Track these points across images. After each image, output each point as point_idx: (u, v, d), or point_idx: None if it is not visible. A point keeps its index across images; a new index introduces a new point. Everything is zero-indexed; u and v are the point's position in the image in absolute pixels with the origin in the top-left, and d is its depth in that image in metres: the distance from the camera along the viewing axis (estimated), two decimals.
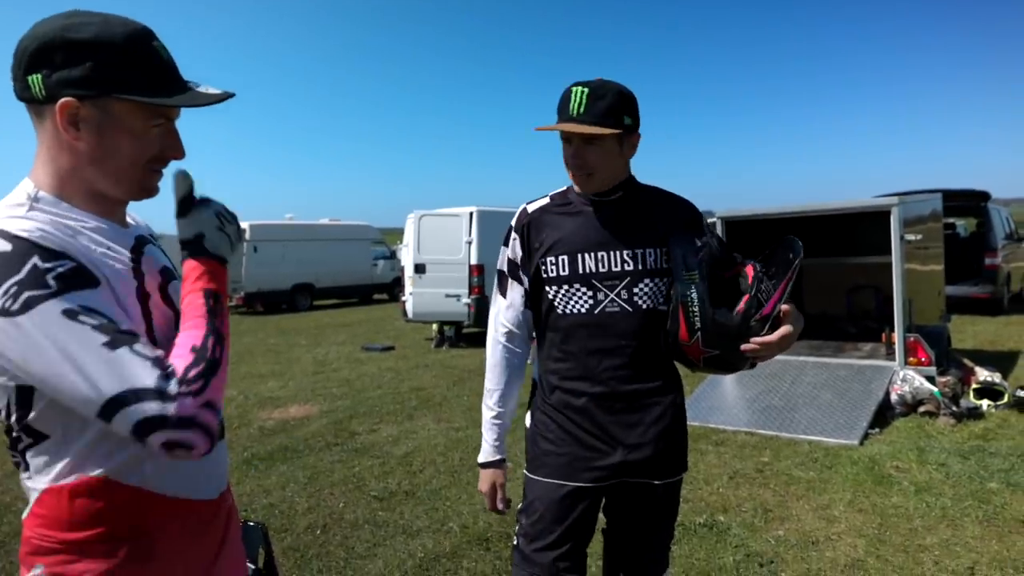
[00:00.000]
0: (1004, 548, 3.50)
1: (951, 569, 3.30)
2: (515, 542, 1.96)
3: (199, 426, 0.99)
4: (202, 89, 1.17)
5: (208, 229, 1.16)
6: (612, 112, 1.78)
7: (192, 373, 1.00)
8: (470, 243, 11.35)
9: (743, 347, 1.72)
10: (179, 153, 1.18)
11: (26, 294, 0.95)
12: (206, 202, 1.20)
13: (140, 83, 1.09)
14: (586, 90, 1.79)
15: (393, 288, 21.09)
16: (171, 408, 0.96)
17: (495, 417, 2.01)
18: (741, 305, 1.74)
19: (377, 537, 3.87)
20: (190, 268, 1.14)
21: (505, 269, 2.01)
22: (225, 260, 1.18)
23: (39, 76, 1.05)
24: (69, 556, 1.09)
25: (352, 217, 29.22)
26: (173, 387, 0.97)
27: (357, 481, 4.85)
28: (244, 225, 18.70)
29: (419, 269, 11.51)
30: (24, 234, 0.99)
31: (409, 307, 11.87)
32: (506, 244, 2.00)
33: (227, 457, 1.37)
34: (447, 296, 11.36)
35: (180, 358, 1.02)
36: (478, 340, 11.72)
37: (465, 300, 11.31)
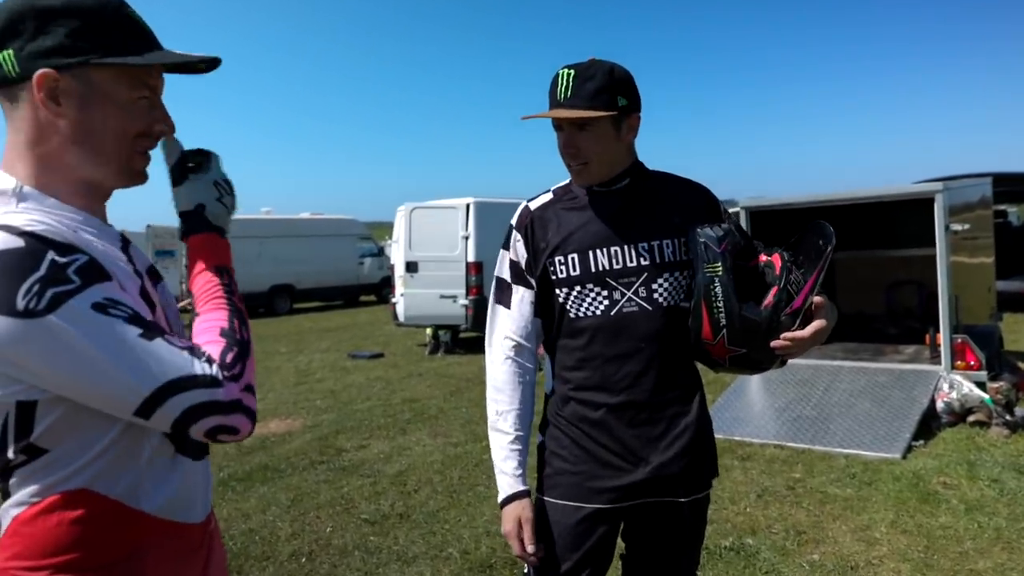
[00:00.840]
0: None
1: None
2: (525, 570, 1.95)
3: (244, 409, 1.06)
4: (180, 53, 1.18)
5: (208, 199, 1.22)
6: (602, 93, 1.76)
7: (229, 358, 1.06)
8: (467, 238, 11.37)
9: (773, 344, 1.71)
10: (168, 126, 1.20)
11: (51, 291, 0.95)
12: (201, 167, 1.25)
13: (119, 47, 1.10)
14: (573, 72, 1.78)
15: (382, 289, 21.15)
16: (220, 393, 1.02)
17: (513, 442, 1.90)
18: (769, 298, 1.72)
19: (369, 565, 3.89)
20: (196, 244, 1.19)
21: (507, 276, 1.96)
22: (225, 232, 1.24)
23: (10, 52, 1.06)
24: None
25: (336, 210, 29.35)
26: (216, 372, 1.03)
27: (346, 503, 4.87)
28: None
29: (411, 267, 11.52)
30: (31, 229, 0.99)
31: (400, 310, 11.88)
32: (506, 247, 1.97)
33: (211, 477, 1.38)
34: (442, 297, 11.37)
35: (213, 344, 1.08)
36: (476, 345, 11.73)
37: (462, 301, 11.32)
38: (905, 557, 3.72)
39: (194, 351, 1.04)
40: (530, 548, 1.84)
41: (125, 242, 1.22)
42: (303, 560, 3.98)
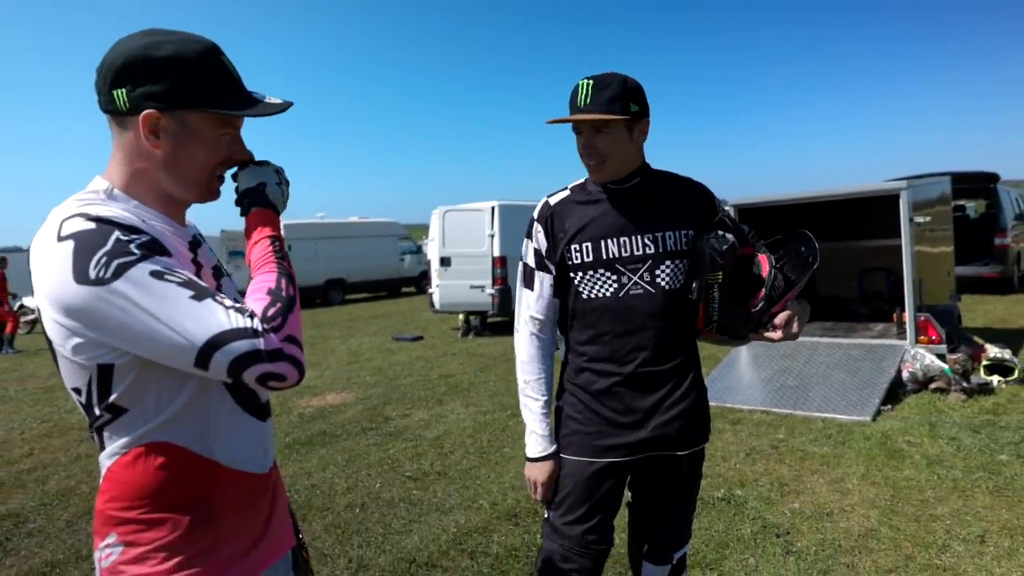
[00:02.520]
0: (1014, 517, 3.48)
1: (962, 537, 3.29)
2: (546, 515, 1.97)
3: (288, 358, 1.04)
4: (266, 100, 1.23)
5: (269, 180, 1.26)
6: (617, 100, 1.78)
7: (271, 312, 1.05)
8: (493, 236, 11.39)
9: (752, 336, 1.82)
10: (245, 157, 1.26)
11: (116, 262, 0.99)
12: (265, 162, 1.30)
13: (212, 96, 1.16)
14: (591, 82, 1.80)
15: (420, 281, 21.22)
16: (260, 343, 1.01)
17: (543, 407, 1.95)
18: (755, 300, 1.77)
19: (412, 514, 3.95)
20: (253, 219, 1.21)
21: (531, 261, 1.97)
22: (279, 212, 1.26)
23: (123, 91, 1.11)
24: (139, 525, 1.13)
25: (379, 214, 29.33)
26: (258, 325, 1.02)
27: (392, 463, 4.93)
28: None
29: (445, 262, 11.58)
30: (104, 215, 1.04)
31: (436, 299, 11.94)
32: (529, 236, 1.98)
33: (274, 435, 1.41)
34: (472, 287, 11.42)
35: (259, 301, 1.07)
36: (502, 328, 11.78)
37: (489, 291, 11.36)
38: (874, 505, 3.71)
39: (240, 308, 1.04)
40: (549, 496, 1.94)
41: (196, 242, 1.25)
42: (356, 510, 4.04)
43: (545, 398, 1.95)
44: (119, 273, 0.99)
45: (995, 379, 5.93)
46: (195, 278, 1.06)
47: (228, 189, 1.27)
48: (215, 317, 1.01)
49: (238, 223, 1.24)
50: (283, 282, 1.10)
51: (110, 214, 1.05)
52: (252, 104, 1.20)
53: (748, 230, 1.93)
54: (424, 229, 14.84)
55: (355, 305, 19.12)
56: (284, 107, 1.21)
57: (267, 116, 1.21)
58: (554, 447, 1.94)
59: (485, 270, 11.38)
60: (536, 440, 1.93)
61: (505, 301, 11.27)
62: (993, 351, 6.19)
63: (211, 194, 1.24)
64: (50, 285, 1.01)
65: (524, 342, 1.98)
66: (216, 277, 1.28)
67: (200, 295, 1.02)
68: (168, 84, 1.12)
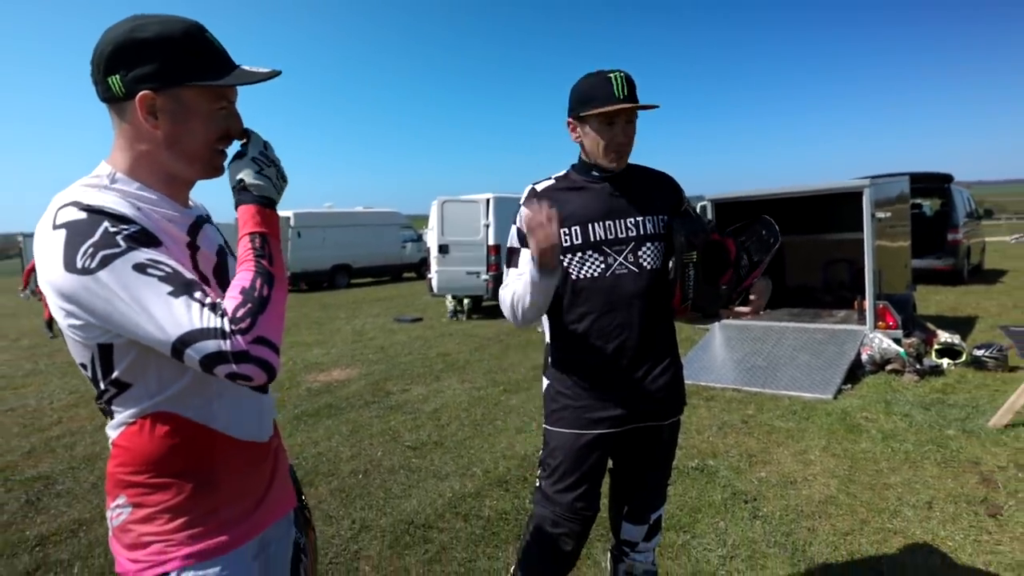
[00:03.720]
0: (958, 485, 3.52)
1: (912, 504, 3.33)
2: (538, 483, 1.98)
3: (254, 360, 0.99)
4: (251, 68, 1.17)
5: (247, 175, 1.15)
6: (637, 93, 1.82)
7: (240, 313, 1.00)
8: (488, 226, 11.36)
9: (723, 312, 1.86)
10: (239, 130, 1.20)
11: (101, 253, 0.97)
12: (245, 150, 1.19)
13: (203, 70, 1.11)
14: (623, 75, 1.78)
15: (420, 267, 21.15)
16: (226, 344, 0.97)
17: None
18: (725, 279, 1.81)
19: (411, 480, 3.95)
20: (240, 214, 1.13)
21: (515, 242, 1.93)
22: (271, 200, 1.16)
23: (117, 77, 1.08)
24: (146, 489, 1.12)
25: (383, 205, 29.13)
26: (226, 326, 0.98)
27: (392, 433, 4.93)
28: (288, 214, 18.76)
29: (443, 249, 11.52)
30: (96, 204, 1.01)
31: (434, 283, 11.90)
32: (515, 221, 1.93)
33: (274, 405, 1.38)
34: (468, 273, 11.40)
35: (231, 299, 1.02)
36: (496, 312, 11.78)
37: (483, 276, 11.36)
38: (833, 474, 3.75)
39: (215, 305, 0.99)
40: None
41: (198, 224, 1.20)
42: (360, 476, 4.05)
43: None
44: (104, 264, 0.97)
45: (945, 362, 5.98)
46: (181, 269, 1.02)
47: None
48: (188, 315, 0.97)
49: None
50: (258, 282, 1.04)
51: (103, 203, 1.02)
52: (242, 75, 1.15)
53: (709, 222, 1.96)
54: (424, 219, 14.78)
55: (360, 289, 19.05)
56: (271, 75, 1.16)
57: (256, 84, 1.16)
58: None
59: (480, 257, 11.36)
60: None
61: (498, 286, 11.25)
62: (944, 336, 6.23)
63: (214, 170, 1.20)
64: (46, 271, 1.00)
65: (506, 300, 1.87)
66: (220, 256, 1.23)
67: (178, 291, 0.98)
68: (158, 64, 1.08)
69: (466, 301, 11.56)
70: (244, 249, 1.09)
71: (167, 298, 0.97)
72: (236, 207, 1.15)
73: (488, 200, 11.44)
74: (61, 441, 5.06)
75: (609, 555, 2.12)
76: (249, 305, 1.01)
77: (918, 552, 2.87)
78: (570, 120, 1.89)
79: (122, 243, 0.98)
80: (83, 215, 1.00)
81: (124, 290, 0.97)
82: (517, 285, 1.80)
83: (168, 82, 1.08)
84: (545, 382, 2.01)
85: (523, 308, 1.79)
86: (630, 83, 1.79)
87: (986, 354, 5.88)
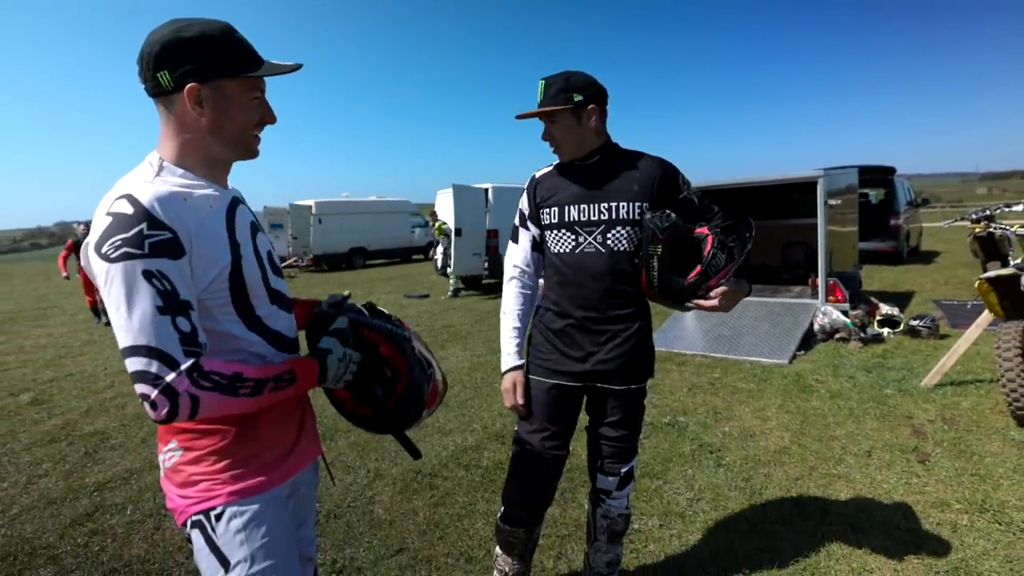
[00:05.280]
0: (894, 436, 3.57)
1: (854, 452, 3.37)
2: (515, 429, 2.00)
3: (172, 402, 0.98)
4: (277, 62, 1.18)
5: (333, 350, 1.25)
6: (560, 93, 1.77)
7: (212, 374, 1.01)
8: (487, 212, 11.27)
9: (687, 303, 1.78)
10: (272, 117, 1.20)
11: (123, 249, 0.98)
12: (338, 322, 1.31)
13: (239, 64, 1.12)
14: (543, 81, 1.81)
15: (427, 250, 21.06)
16: (169, 375, 0.97)
17: (512, 330, 1.95)
18: (692, 275, 1.73)
19: (419, 435, 3.97)
20: (303, 358, 1.20)
21: (517, 221, 2.00)
22: (324, 375, 1.22)
23: (166, 72, 1.08)
24: (195, 434, 1.14)
25: (394, 194, 28.88)
26: (184, 364, 0.98)
27: None
28: (311, 203, 18.63)
29: (459, 232, 10.93)
30: (146, 202, 1.00)
31: (451, 263, 11.22)
32: (520, 203, 2.00)
33: None
34: (473, 254, 11.30)
35: (222, 361, 1.04)
36: (494, 289, 11.78)
37: (484, 257, 11.31)
38: (787, 428, 3.79)
39: (188, 340, 0.99)
40: (520, 401, 1.93)
41: (235, 202, 1.19)
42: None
43: (516, 327, 1.95)
44: (121, 259, 0.97)
45: (886, 331, 6.01)
46: (182, 289, 1.01)
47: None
48: (159, 333, 0.97)
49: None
50: (248, 384, 1.05)
51: (152, 200, 1.01)
52: (271, 67, 1.16)
53: (715, 211, 1.88)
54: (430, 207, 14.66)
55: (374, 269, 18.99)
56: (295, 67, 1.17)
57: (284, 74, 1.16)
58: (520, 362, 1.96)
59: (483, 240, 11.29)
60: (505, 357, 1.96)
61: (495, 265, 11.21)
62: (885, 309, 6.27)
63: (251, 152, 1.21)
64: (89, 241, 1.02)
65: (506, 286, 2.01)
66: (252, 232, 1.21)
67: (166, 309, 0.98)
68: (202, 59, 1.08)
69: (457, 280, 11.20)
70: (276, 367, 1.12)
71: (155, 311, 0.98)
72: (311, 354, 1.23)
73: (487, 189, 11.33)
74: (114, 402, 5.07)
75: (588, 499, 2.14)
76: (225, 383, 1.02)
77: (858, 493, 2.91)
78: None
79: (147, 248, 0.98)
80: (130, 210, 1.00)
81: (123, 285, 0.97)
82: (504, 324, 1.98)
83: (212, 75, 1.09)
84: (529, 332, 2.03)
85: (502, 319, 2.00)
86: (548, 86, 1.79)
87: (920, 324, 5.91)
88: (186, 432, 1.14)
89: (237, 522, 1.12)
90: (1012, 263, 3.98)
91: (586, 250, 1.83)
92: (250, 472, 1.16)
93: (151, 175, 1.08)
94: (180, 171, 1.12)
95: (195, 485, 1.13)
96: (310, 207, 18.62)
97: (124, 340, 0.98)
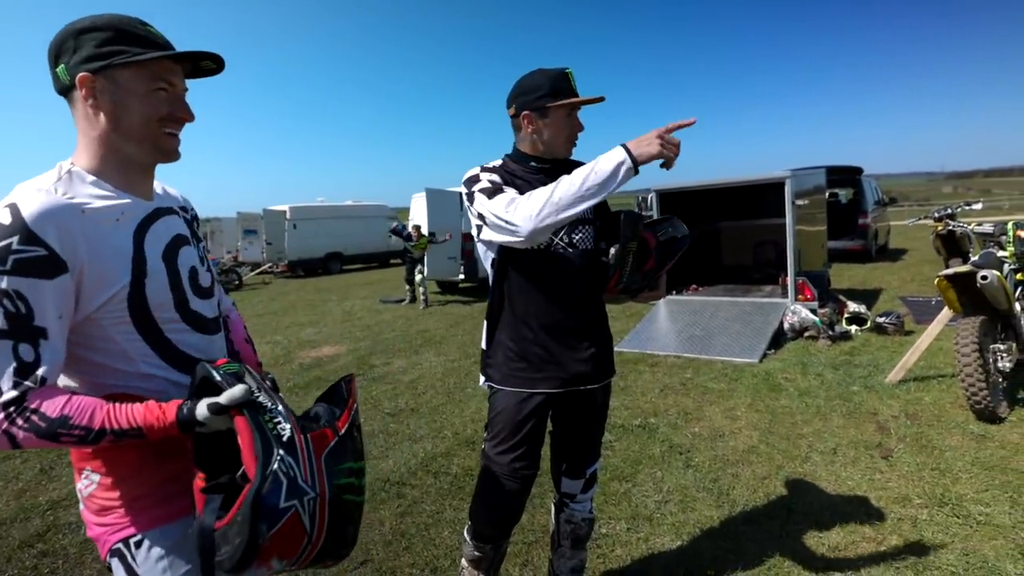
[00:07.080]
0: (859, 433, 3.61)
1: (820, 450, 3.40)
2: (483, 447, 1.91)
3: None
4: (189, 52, 1.09)
5: (201, 413, 0.99)
6: None
7: (33, 415, 0.93)
8: (462, 216, 11.23)
9: (640, 296, 1.88)
10: (187, 115, 1.11)
11: None
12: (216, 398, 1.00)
13: (134, 52, 1.05)
14: (571, 71, 1.75)
15: (404, 255, 20.93)
16: None
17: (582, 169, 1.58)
18: (648, 266, 1.82)
19: (389, 443, 3.93)
20: (166, 407, 0.99)
21: (489, 185, 1.70)
22: (186, 430, 1.00)
23: (63, 66, 1.03)
24: (111, 459, 1.08)
25: (371, 198, 28.62)
26: (8, 394, 0.92)
27: (374, 402, 4.88)
28: (285, 208, 18.38)
29: (432, 237, 10.86)
30: (26, 214, 0.93)
31: (426, 269, 11.00)
32: (478, 180, 1.73)
33: None
34: (448, 258, 11.27)
35: (54, 401, 0.94)
36: (470, 292, 11.73)
37: (459, 261, 11.27)
38: (756, 427, 3.81)
39: (24, 371, 0.92)
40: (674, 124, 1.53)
41: (156, 214, 1.12)
42: None
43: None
44: None
45: (853, 328, 6.12)
46: (37, 316, 0.93)
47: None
48: None
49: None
50: (77, 430, 0.94)
51: (36, 213, 0.93)
52: (169, 54, 1.06)
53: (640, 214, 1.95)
54: (406, 211, 14.57)
55: (350, 274, 18.81)
56: (213, 58, 1.09)
57: (202, 75, 1.08)
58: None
59: (456, 244, 11.25)
60: (612, 154, 1.53)
61: (471, 268, 11.18)
62: (853, 307, 6.37)
63: (163, 151, 1.11)
64: None
65: (527, 195, 1.61)
66: (173, 247, 1.13)
67: (9, 334, 0.92)
68: (92, 48, 1.02)
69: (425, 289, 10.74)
70: (130, 423, 0.97)
71: None
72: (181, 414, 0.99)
73: (460, 193, 11.28)
74: None
75: (553, 506, 2.11)
76: (45, 424, 0.93)
77: (823, 491, 2.93)
78: (528, 112, 1.75)
79: (10, 264, 0.91)
80: (7, 221, 0.92)
81: None
82: (570, 178, 1.56)
83: (102, 62, 1.02)
84: (496, 345, 1.89)
85: (563, 196, 1.54)
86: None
87: (887, 321, 6.02)
88: (101, 457, 1.08)
89: (158, 549, 1.06)
90: (971, 260, 4.07)
91: (557, 251, 1.78)
92: (173, 495, 1.10)
93: (50, 182, 1.01)
94: (92, 178, 1.05)
95: (113, 512, 1.07)
96: (284, 212, 18.36)
97: None
